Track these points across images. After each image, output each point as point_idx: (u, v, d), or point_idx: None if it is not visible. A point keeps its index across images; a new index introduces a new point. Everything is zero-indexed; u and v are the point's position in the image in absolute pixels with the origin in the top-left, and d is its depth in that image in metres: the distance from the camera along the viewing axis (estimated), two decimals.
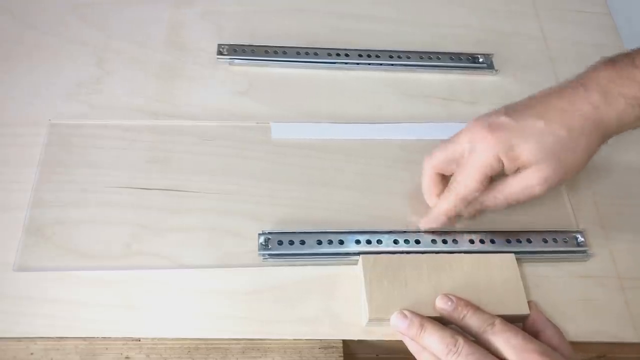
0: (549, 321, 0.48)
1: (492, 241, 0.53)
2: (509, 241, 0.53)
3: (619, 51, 0.68)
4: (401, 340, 0.47)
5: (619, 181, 0.59)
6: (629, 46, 0.69)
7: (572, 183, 0.57)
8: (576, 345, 0.50)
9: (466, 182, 0.49)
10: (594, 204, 0.57)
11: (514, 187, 0.49)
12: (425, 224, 0.52)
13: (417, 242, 0.52)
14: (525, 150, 0.47)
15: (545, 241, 0.53)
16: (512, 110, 0.49)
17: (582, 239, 0.53)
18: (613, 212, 0.56)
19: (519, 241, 0.53)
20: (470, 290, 0.48)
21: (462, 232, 0.53)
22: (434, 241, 0.52)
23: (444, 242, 0.52)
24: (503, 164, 0.48)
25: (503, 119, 0.48)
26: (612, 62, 0.48)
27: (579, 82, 0.49)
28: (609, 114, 0.47)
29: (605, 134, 0.48)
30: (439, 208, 0.51)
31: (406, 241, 0.52)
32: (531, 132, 0.47)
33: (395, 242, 0.52)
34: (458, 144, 0.49)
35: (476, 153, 0.48)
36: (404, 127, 0.61)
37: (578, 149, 0.47)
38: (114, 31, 0.66)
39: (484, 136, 0.48)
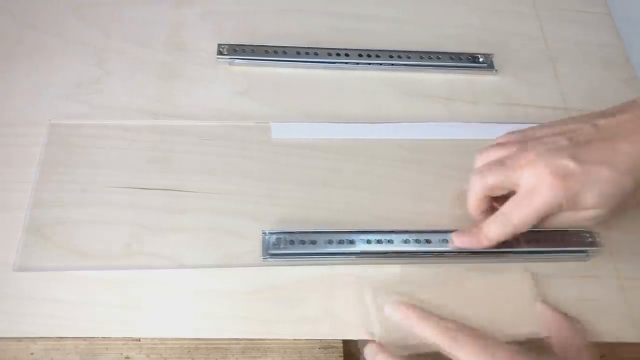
0: (564, 321, 0.48)
1: None
2: (506, 242, 0.52)
3: (619, 51, 0.69)
4: None
5: None
6: (629, 46, 0.70)
7: None
8: None
9: (522, 220, 0.48)
10: None
11: (562, 220, 0.49)
12: (463, 244, 0.51)
13: (428, 241, 0.52)
14: (588, 198, 0.47)
15: (544, 241, 0.53)
16: (577, 149, 0.48)
17: (582, 239, 0.53)
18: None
19: (518, 241, 0.53)
20: (482, 311, 0.48)
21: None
22: (444, 241, 0.52)
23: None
24: (562, 207, 0.48)
25: (569, 164, 0.47)
26: None
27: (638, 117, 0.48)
28: None
29: None
30: (486, 234, 0.50)
31: (417, 241, 0.52)
32: (596, 179, 0.47)
33: (406, 241, 0.52)
34: (517, 176, 0.48)
35: (538, 195, 0.47)
36: (404, 127, 0.61)
37: (637, 194, 0.48)
38: (114, 31, 0.66)
39: (549, 182, 0.47)
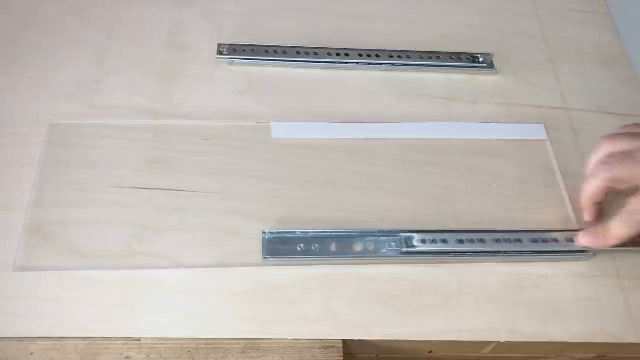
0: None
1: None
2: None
3: (619, 51, 0.69)
4: (401, 341, 0.47)
5: None
6: (629, 46, 0.70)
7: (572, 182, 0.57)
8: (576, 345, 0.50)
9: None
10: None
11: None
12: (590, 243, 0.51)
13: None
14: None
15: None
16: None
17: None
18: (613, 211, 0.56)
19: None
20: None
21: (460, 232, 0.53)
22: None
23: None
24: None
25: None
26: None
27: None
28: None
29: None
30: (613, 233, 0.49)
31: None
32: None
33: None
34: None
35: None
36: (404, 127, 0.61)
37: None
38: (114, 31, 0.66)
39: None
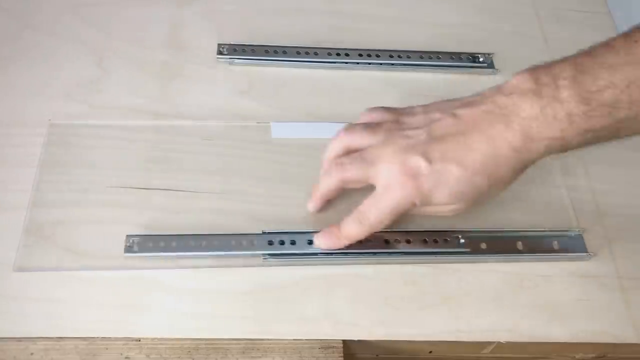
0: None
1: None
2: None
3: None
4: (401, 341, 0.47)
5: (619, 180, 0.59)
6: None
7: (572, 183, 0.58)
8: (576, 345, 0.50)
9: (378, 219, 0.48)
10: (594, 203, 0.57)
11: (423, 213, 0.49)
12: (326, 245, 0.50)
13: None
14: (441, 196, 0.47)
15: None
16: (432, 145, 0.47)
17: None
18: (613, 211, 0.56)
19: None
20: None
21: (459, 232, 0.53)
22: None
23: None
24: (416, 204, 0.48)
25: (420, 164, 0.46)
26: (536, 93, 0.44)
27: (502, 112, 0.45)
28: (529, 155, 0.45)
29: (524, 168, 0.47)
30: (345, 233, 0.50)
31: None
32: (446, 178, 0.46)
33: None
34: (374, 172, 0.48)
35: (391, 194, 0.47)
36: None
37: (494, 190, 0.48)
38: (114, 31, 0.66)
39: (400, 181, 0.46)
